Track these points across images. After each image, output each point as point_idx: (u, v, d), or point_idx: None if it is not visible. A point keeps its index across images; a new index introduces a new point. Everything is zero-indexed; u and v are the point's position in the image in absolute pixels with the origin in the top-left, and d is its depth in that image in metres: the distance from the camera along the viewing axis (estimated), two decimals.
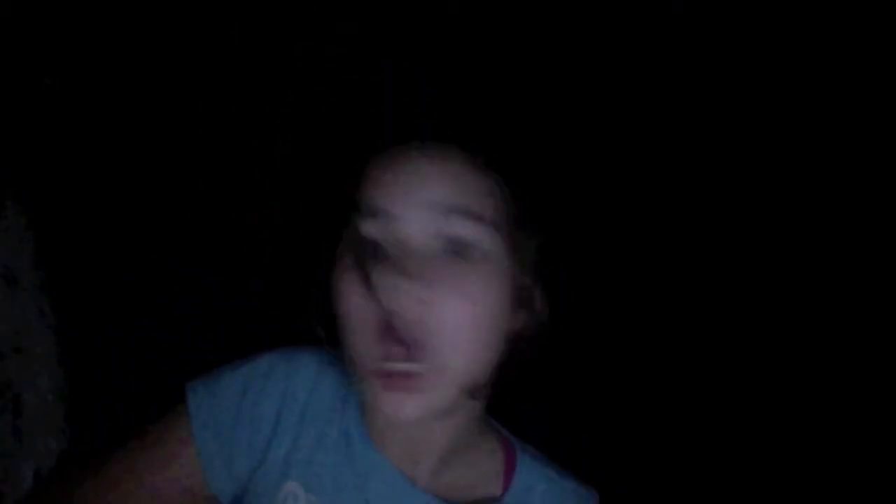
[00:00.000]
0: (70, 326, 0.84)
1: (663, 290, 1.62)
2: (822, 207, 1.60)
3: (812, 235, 1.60)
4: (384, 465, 0.65)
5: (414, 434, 0.65)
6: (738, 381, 1.61)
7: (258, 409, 0.65)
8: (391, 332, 0.55)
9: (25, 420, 0.73)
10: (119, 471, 0.65)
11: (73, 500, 0.64)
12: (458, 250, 0.57)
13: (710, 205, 1.64)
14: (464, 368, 0.57)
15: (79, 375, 0.85)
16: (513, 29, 1.53)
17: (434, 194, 0.57)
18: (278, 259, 1.43)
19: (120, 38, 1.35)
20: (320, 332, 0.64)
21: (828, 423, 1.55)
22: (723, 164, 1.63)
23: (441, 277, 0.56)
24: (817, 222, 1.61)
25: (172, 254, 1.37)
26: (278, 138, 1.47)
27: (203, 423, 0.65)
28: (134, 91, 1.38)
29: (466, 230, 0.57)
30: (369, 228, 0.58)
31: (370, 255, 0.58)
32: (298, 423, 0.66)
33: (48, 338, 0.79)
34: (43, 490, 0.72)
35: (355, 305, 0.57)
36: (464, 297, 0.57)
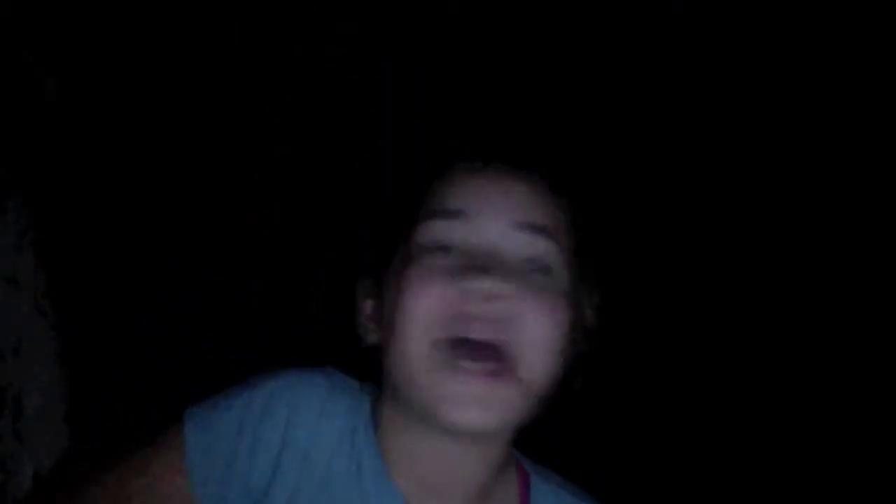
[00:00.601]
0: (70, 327, 0.84)
1: (685, 309, 1.63)
2: (822, 208, 1.60)
3: (815, 237, 1.60)
4: (399, 501, 0.60)
5: (443, 467, 0.60)
6: (748, 390, 1.61)
7: (256, 448, 0.62)
8: (471, 332, 0.53)
9: (26, 420, 0.73)
10: (110, 496, 0.61)
11: None
12: (536, 266, 0.57)
13: (723, 217, 1.64)
14: (540, 380, 0.55)
15: (79, 375, 0.85)
16: (515, 30, 1.53)
17: (518, 207, 0.58)
18: (278, 259, 1.43)
19: (120, 40, 1.35)
20: (365, 336, 0.62)
21: (828, 423, 1.56)
22: (730, 173, 1.63)
23: (527, 287, 0.55)
24: (819, 223, 1.61)
25: (172, 254, 1.36)
26: (278, 138, 1.47)
27: (198, 460, 0.62)
28: (135, 92, 1.38)
29: (545, 248, 0.57)
30: (446, 230, 0.57)
31: (440, 258, 0.56)
32: (302, 462, 0.61)
33: (49, 338, 0.79)
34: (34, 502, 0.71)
35: (427, 304, 0.54)
36: (547, 310, 0.55)
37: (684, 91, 1.60)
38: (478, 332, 0.53)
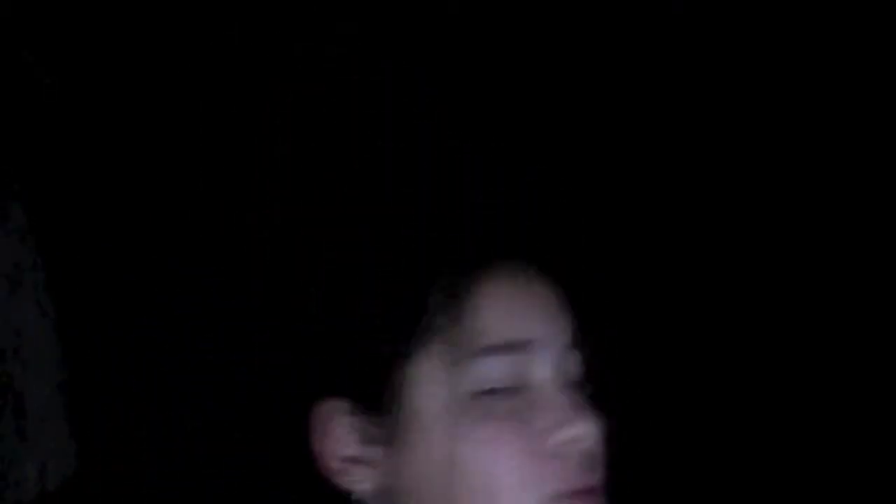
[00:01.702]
0: (71, 326, 0.85)
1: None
2: (822, 208, 1.60)
3: (815, 237, 1.60)
4: None
5: None
6: (747, 390, 1.61)
7: None
8: (585, 479, 0.46)
9: (29, 420, 0.73)
10: None
11: None
12: (574, 383, 0.50)
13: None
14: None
15: (80, 375, 0.85)
16: (514, 30, 1.53)
17: (565, 322, 0.50)
18: (278, 259, 1.43)
19: (120, 38, 1.35)
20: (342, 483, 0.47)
21: (828, 424, 1.56)
22: (729, 172, 1.63)
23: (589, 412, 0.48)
24: (819, 223, 1.61)
25: (172, 254, 1.36)
26: (278, 138, 1.47)
27: None
28: (134, 91, 1.38)
29: (581, 361, 0.50)
30: (508, 365, 0.46)
31: (501, 400, 0.46)
32: None
33: (50, 338, 0.80)
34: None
35: (515, 458, 0.45)
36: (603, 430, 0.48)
37: (684, 91, 1.60)
38: (590, 475, 0.46)
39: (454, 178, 1.23)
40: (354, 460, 0.47)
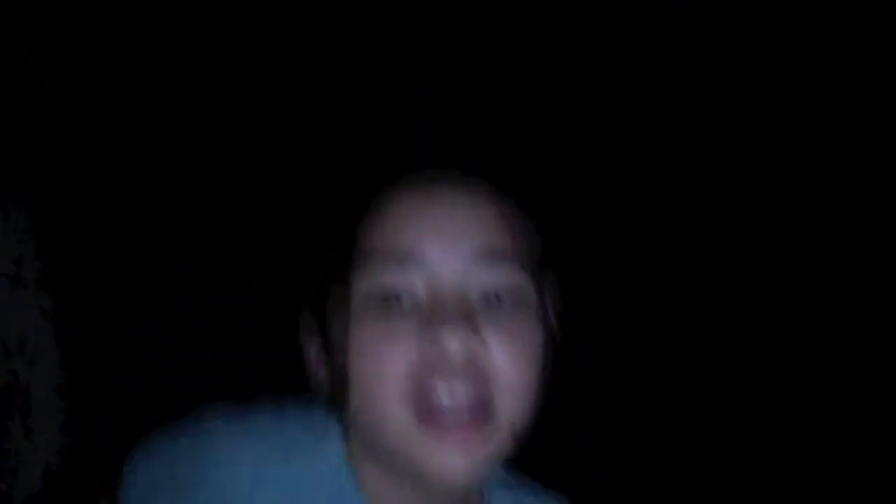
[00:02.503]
0: (72, 326, 0.85)
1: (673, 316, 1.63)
2: (822, 208, 1.60)
3: (813, 236, 1.60)
4: None
5: (421, 500, 0.56)
6: (746, 390, 1.61)
7: (197, 486, 0.57)
8: (446, 396, 0.49)
9: (34, 417, 0.73)
10: None
11: None
12: (497, 295, 0.51)
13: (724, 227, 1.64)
14: (520, 417, 0.52)
15: (80, 374, 0.86)
16: (514, 30, 1.53)
17: (473, 235, 0.51)
18: (278, 259, 1.43)
19: (120, 39, 1.35)
20: (315, 382, 0.57)
21: (828, 423, 1.56)
22: (729, 172, 1.63)
23: (489, 324, 0.50)
24: (818, 223, 1.61)
25: (172, 254, 1.36)
26: (278, 138, 1.47)
27: (134, 498, 0.57)
28: (135, 92, 1.38)
29: (503, 276, 0.51)
30: (394, 275, 0.50)
31: (388, 303, 0.50)
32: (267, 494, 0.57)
33: (51, 337, 0.80)
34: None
35: (390, 363, 0.49)
36: (519, 347, 0.51)
37: (684, 91, 1.60)
38: (453, 394, 0.49)
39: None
40: (318, 364, 0.56)
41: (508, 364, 0.50)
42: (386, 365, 0.49)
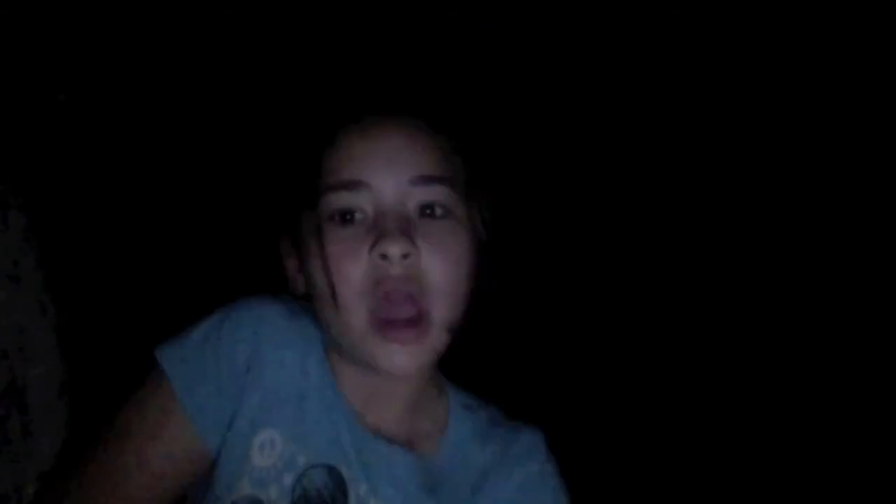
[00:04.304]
0: (71, 325, 0.85)
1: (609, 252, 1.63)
2: (821, 207, 1.61)
3: (810, 236, 1.61)
4: (352, 409, 0.71)
5: (382, 388, 0.72)
6: (745, 390, 1.62)
7: (231, 359, 0.70)
8: (389, 289, 0.63)
9: (32, 418, 0.73)
10: (113, 454, 0.67)
11: (70, 493, 0.66)
12: (429, 212, 0.66)
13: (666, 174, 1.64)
14: (451, 316, 0.66)
15: (80, 374, 0.86)
16: (514, 30, 1.54)
17: (408, 164, 0.66)
18: (278, 259, 1.43)
19: (119, 40, 1.35)
20: (294, 288, 0.73)
21: (827, 423, 1.56)
22: (729, 172, 1.63)
23: (423, 237, 0.65)
24: (816, 222, 1.61)
25: (172, 254, 1.37)
26: (278, 138, 1.47)
27: (185, 387, 0.68)
28: (134, 92, 1.38)
29: (435, 194, 0.66)
30: (347, 200, 0.65)
31: (346, 223, 0.65)
32: (275, 369, 0.69)
33: (50, 336, 0.80)
34: (43, 495, 0.72)
35: (348, 271, 0.64)
36: (445, 252, 0.65)
37: (683, 90, 1.60)
38: (398, 286, 0.63)
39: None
40: (297, 274, 0.73)
41: (436, 264, 0.65)
42: (346, 264, 0.64)
